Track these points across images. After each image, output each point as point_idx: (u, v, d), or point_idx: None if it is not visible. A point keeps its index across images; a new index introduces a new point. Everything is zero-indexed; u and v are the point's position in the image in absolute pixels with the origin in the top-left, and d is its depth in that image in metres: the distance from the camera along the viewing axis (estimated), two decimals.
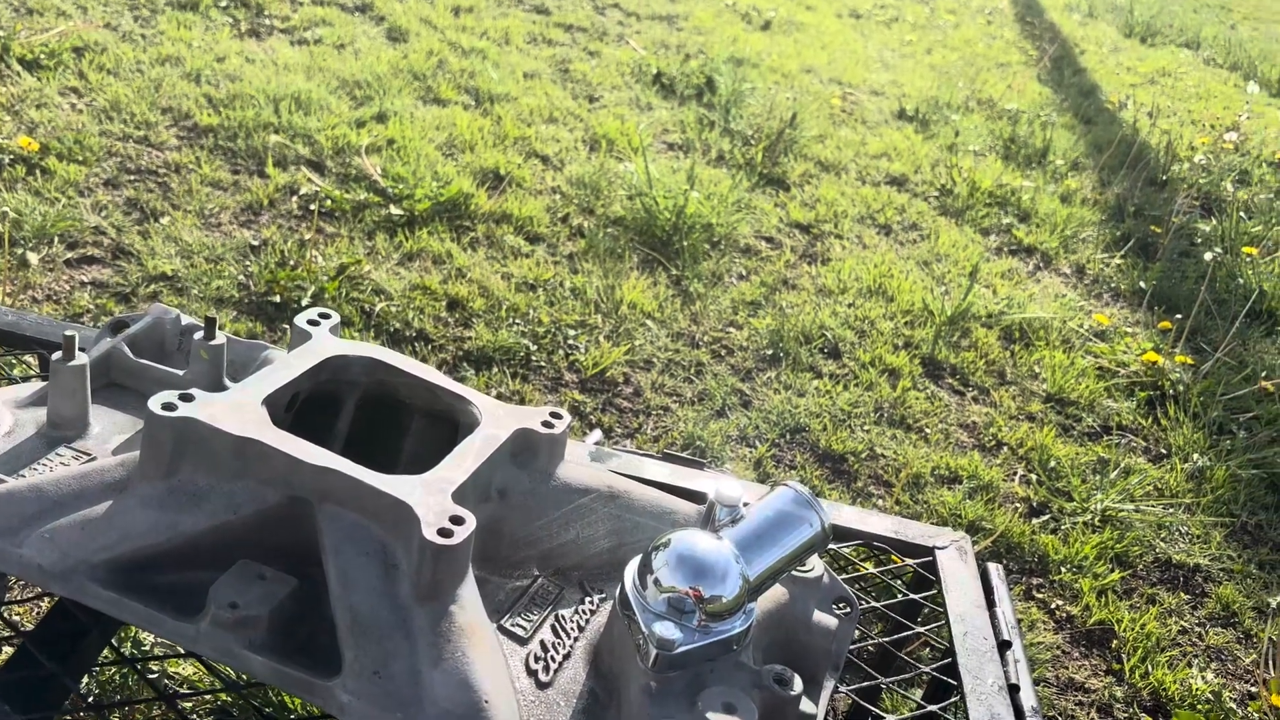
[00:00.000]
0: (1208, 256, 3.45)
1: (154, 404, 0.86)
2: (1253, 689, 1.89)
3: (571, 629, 0.92)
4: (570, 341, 2.45)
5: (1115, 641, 1.94)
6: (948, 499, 2.18)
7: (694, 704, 0.81)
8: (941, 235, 3.39)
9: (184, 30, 3.62)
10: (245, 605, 0.81)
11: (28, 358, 1.52)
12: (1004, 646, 1.10)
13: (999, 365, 2.74)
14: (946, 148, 4.15)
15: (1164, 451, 2.52)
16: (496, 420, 0.97)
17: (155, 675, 1.45)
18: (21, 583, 1.52)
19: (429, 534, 0.80)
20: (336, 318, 1.07)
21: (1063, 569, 2.07)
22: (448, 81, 3.73)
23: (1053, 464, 2.37)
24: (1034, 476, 2.34)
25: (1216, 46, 6.71)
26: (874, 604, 1.24)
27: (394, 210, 2.81)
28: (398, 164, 3.03)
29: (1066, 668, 1.87)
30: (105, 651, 1.15)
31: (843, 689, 1.05)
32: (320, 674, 0.80)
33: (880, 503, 2.17)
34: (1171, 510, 2.30)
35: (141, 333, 1.12)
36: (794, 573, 0.97)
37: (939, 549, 1.24)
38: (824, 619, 0.97)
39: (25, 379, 1.35)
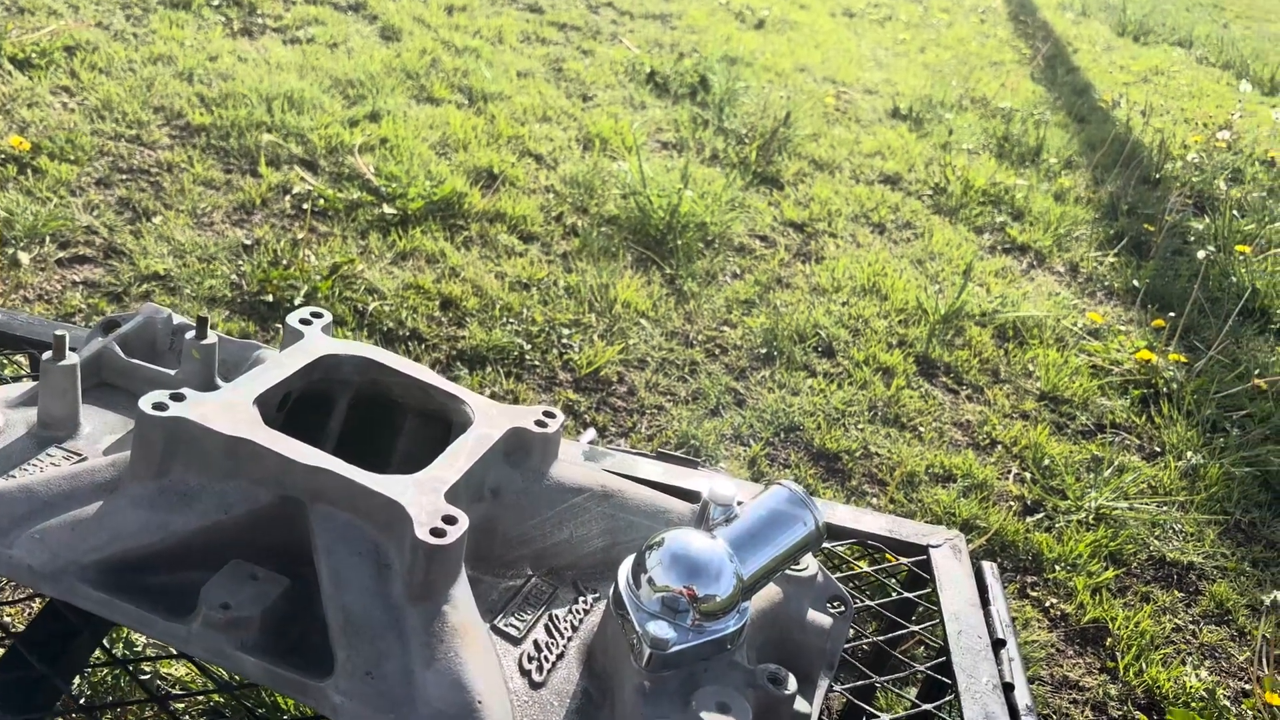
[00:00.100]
0: (1201, 255, 3.46)
1: (145, 404, 0.86)
2: (1246, 686, 1.90)
3: (565, 629, 0.92)
4: (564, 340, 2.45)
5: (1109, 639, 1.94)
6: (942, 497, 2.18)
7: (688, 703, 0.81)
8: (935, 234, 3.40)
9: (176, 29, 3.61)
10: (237, 606, 0.81)
11: (18, 357, 1.52)
12: (998, 645, 1.10)
13: (993, 364, 2.74)
14: (940, 146, 4.15)
15: (1158, 449, 2.52)
16: (489, 419, 0.97)
17: (147, 676, 1.45)
18: (12, 584, 1.52)
19: (421, 534, 0.80)
20: (329, 317, 1.06)
21: (1057, 567, 2.07)
22: (441, 80, 3.72)
23: (1047, 462, 2.37)
24: (1028, 475, 2.34)
25: (1209, 45, 6.73)
26: (868, 603, 1.23)
27: (387, 209, 2.80)
28: (391, 163, 3.02)
29: (1061, 666, 1.87)
30: (97, 653, 1.14)
31: (837, 688, 1.05)
32: (313, 675, 0.79)
33: (874, 501, 2.17)
34: (1165, 508, 2.30)
35: (133, 332, 1.11)
36: (788, 571, 0.96)
37: (933, 547, 1.24)
38: (818, 618, 0.97)
39: (16, 379, 1.34)
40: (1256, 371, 2.80)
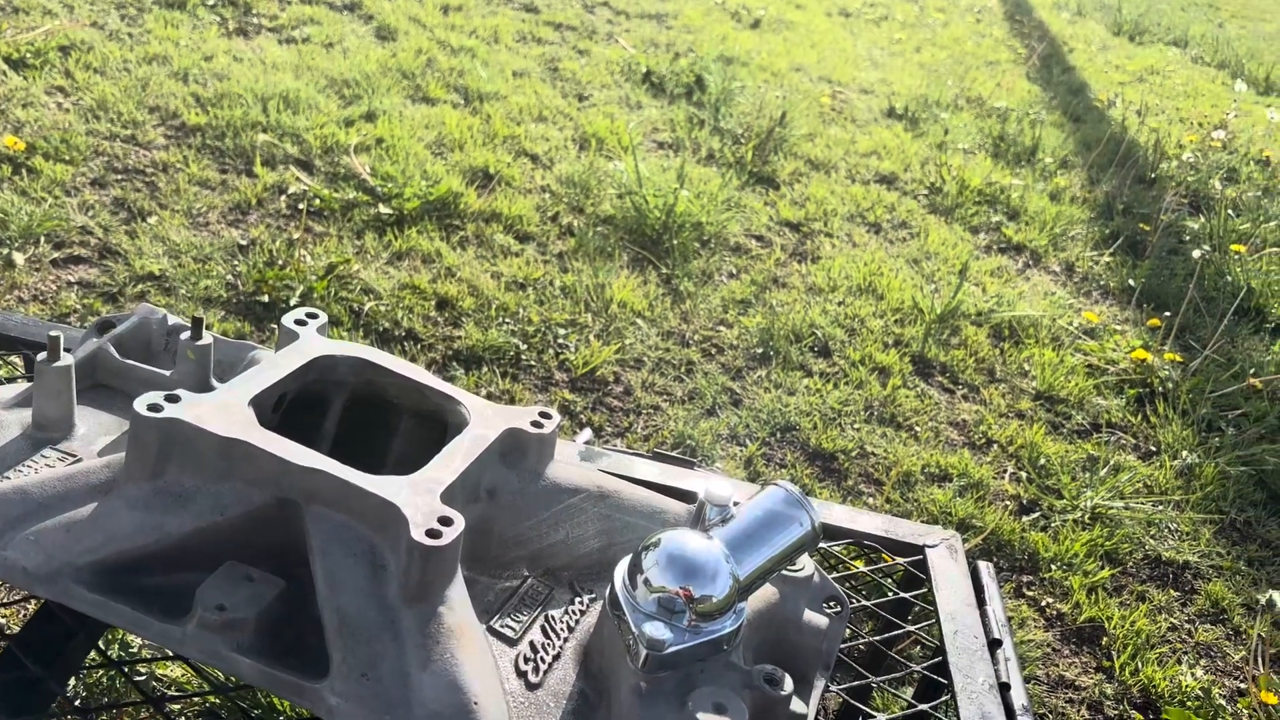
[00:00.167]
0: (1196, 254, 3.46)
1: (140, 405, 0.85)
2: (1242, 685, 1.90)
3: (561, 629, 0.92)
4: (560, 340, 2.45)
5: (1105, 639, 1.94)
6: (938, 497, 2.18)
7: (684, 704, 0.81)
8: (931, 233, 3.40)
9: (171, 29, 3.60)
10: (232, 607, 0.81)
11: (13, 358, 1.51)
12: (994, 644, 1.10)
13: (988, 363, 2.74)
14: (936, 146, 4.15)
15: (1153, 449, 2.52)
16: (485, 420, 0.97)
17: (143, 678, 1.45)
18: (7, 586, 1.51)
19: (417, 535, 0.80)
20: (324, 317, 1.06)
21: (1053, 566, 2.08)
22: (437, 80, 3.72)
23: (1042, 462, 2.37)
24: (1024, 474, 2.34)
25: (1204, 45, 6.74)
26: (864, 603, 1.23)
27: (383, 209, 2.80)
28: (387, 163, 3.02)
29: (1057, 665, 1.87)
30: (92, 654, 1.14)
31: (833, 688, 1.05)
32: (308, 676, 0.79)
33: (870, 501, 2.17)
34: (1161, 507, 2.30)
35: (128, 333, 1.11)
36: (784, 572, 0.96)
37: (929, 547, 1.24)
38: (814, 618, 0.97)
39: (10, 380, 1.34)
40: (1252, 371, 2.80)
